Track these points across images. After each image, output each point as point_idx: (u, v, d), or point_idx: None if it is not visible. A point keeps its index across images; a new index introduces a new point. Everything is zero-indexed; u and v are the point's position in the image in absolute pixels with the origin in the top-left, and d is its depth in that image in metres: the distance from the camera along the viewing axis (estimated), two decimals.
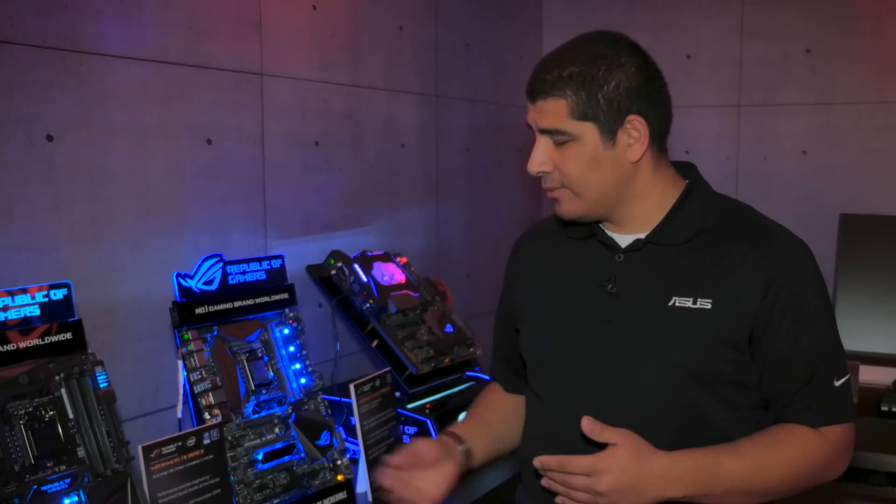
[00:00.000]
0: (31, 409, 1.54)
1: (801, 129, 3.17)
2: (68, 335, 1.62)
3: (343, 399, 2.15)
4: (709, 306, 1.39)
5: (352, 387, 1.97)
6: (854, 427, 1.45)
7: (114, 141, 1.89)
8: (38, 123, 1.74)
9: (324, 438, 1.97)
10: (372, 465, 1.97)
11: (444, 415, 2.23)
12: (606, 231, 1.49)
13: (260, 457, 1.86)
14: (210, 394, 1.81)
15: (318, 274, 2.39)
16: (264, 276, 2.03)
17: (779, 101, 3.19)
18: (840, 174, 3.11)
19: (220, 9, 2.12)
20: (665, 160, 1.48)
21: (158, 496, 1.60)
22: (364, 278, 2.36)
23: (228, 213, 2.17)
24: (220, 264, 1.94)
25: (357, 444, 2.01)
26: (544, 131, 1.42)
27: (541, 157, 1.43)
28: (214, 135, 2.12)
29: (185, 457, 1.66)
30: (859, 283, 2.80)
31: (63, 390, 1.60)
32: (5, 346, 1.52)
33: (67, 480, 1.53)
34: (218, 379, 1.83)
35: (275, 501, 1.85)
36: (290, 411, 1.96)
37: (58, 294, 1.63)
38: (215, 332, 1.89)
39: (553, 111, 1.39)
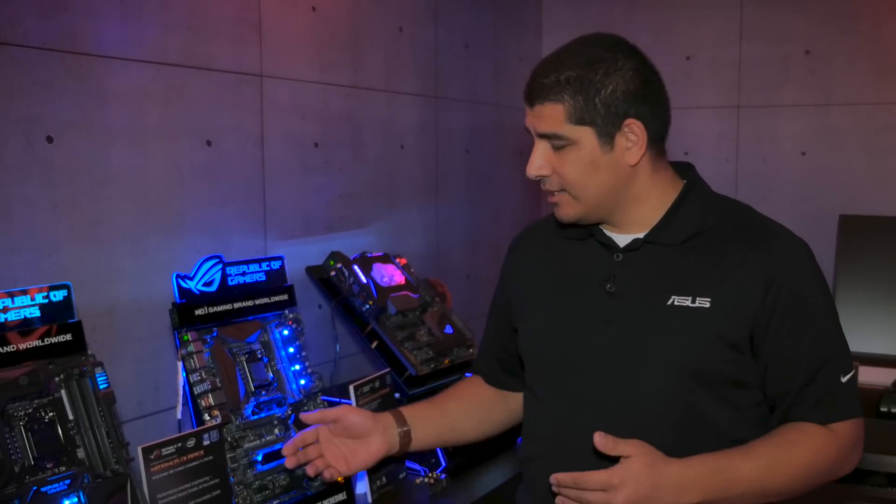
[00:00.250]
0: (30, 411, 1.54)
1: (800, 130, 3.17)
2: (68, 336, 1.62)
3: (343, 400, 2.14)
4: (707, 305, 1.39)
5: (351, 388, 1.98)
6: (863, 422, 1.45)
7: (114, 142, 1.89)
8: (37, 125, 1.74)
9: None
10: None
11: None
12: (605, 231, 1.50)
13: (260, 458, 1.86)
14: (210, 395, 1.81)
15: (318, 275, 2.39)
16: (264, 278, 2.03)
17: (778, 103, 3.19)
18: (839, 175, 3.11)
19: (219, 10, 2.12)
20: (663, 162, 1.48)
21: (158, 497, 1.60)
22: (364, 279, 2.36)
23: (228, 215, 2.17)
24: (220, 265, 1.94)
25: None
26: (542, 135, 1.42)
27: (539, 161, 1.43)
28: (214, 136, 2.12)
29: (184, 458, 1.66)
30: (859, 284, 2.80)
31: (63, 391, 1.59)
32: (5, 348, 1.52)
33: (67, 481, 1.53)
34: (217, 380, 1.83)
35: (274, 502, 1.85)
36: (289, 412, 1.97)
37: (57, 295, 1.63)
38: (215, 334, 1.89)
39: (551, 116, 1.39)
